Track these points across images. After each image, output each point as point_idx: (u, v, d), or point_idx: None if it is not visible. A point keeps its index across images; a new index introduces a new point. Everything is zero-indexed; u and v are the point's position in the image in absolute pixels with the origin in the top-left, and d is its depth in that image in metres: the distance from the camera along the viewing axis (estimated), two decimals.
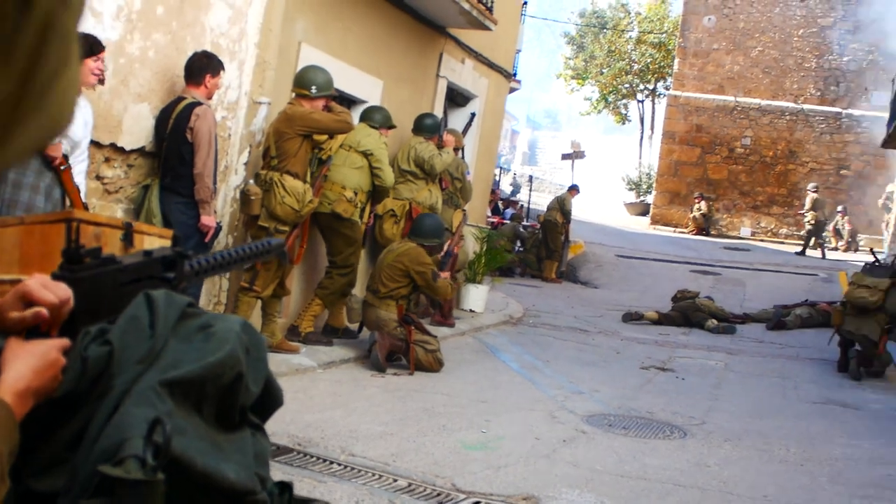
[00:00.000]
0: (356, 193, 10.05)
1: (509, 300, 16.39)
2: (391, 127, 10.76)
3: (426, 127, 12.13)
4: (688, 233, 33.90)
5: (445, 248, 11.13)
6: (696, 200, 34.26)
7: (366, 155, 10.15)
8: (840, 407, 10.41)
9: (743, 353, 13.91)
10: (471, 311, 14.05)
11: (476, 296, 14.18)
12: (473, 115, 13.96)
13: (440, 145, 12.17)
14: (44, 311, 1.69)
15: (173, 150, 7.85)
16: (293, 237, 9.28)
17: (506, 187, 38.46)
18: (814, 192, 29.88)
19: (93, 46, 6.76)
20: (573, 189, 23.82)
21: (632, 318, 16.25)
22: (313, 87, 9.28)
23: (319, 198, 9.61)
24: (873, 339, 11.99)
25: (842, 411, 10.20)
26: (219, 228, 8.18)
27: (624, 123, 50.08)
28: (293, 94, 9.44)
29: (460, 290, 13.77)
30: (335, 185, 9.97)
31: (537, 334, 13.71)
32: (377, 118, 10.60)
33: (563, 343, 13.13)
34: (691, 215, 34.49)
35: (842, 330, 12.43)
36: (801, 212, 30.87)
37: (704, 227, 34.14)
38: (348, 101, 11.19)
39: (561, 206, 22.60)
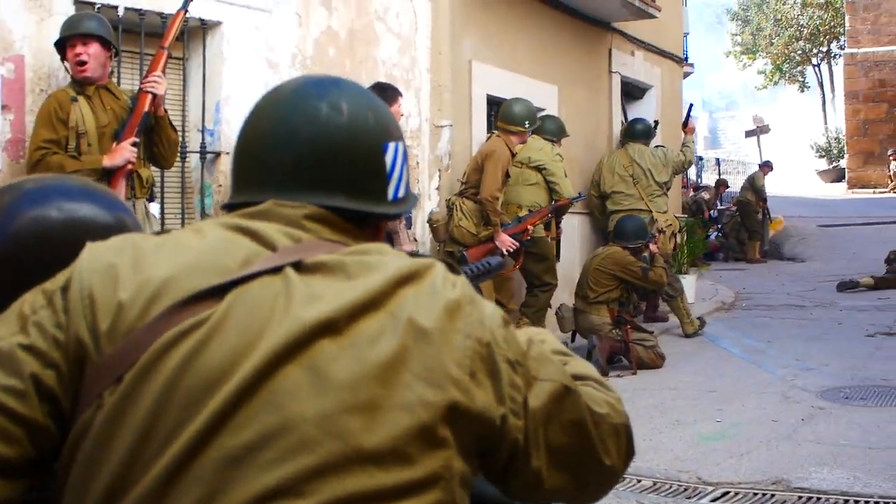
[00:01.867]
0: (532, 211, 9.94)
1: (718, 286, 16.10)
2: (564, 136, 10.64)
3: (642, 133, 12.39)
4: (889, 191, 32.77)
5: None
6: (892, 157, 33.11)
7: (539, 169, 10.00)
8: None
9: None
10: None
11: (685, 286, 13.91)
12: (692, 105, 13.82)
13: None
14: None
15: None
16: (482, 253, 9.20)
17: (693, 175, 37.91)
18: None
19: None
20: (765, 166, 23.31)
21: (847, 286, 15.71)
22: (526, 122, 9.31)
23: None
24: None
25: None
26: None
27: (803, 91, 48.88)
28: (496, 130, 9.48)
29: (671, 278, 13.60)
30: (511, 205, 9.85)
31: (753, 316, 13.40)
32: (550, 128, 10.39)
33: (782, 322, 12.80)
34: (889, 172, 33.33)
35: None
36: None
37: None
38: None
39: (752, 185, 22.18)
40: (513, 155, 9.28)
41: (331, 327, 1.44)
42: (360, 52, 8.65)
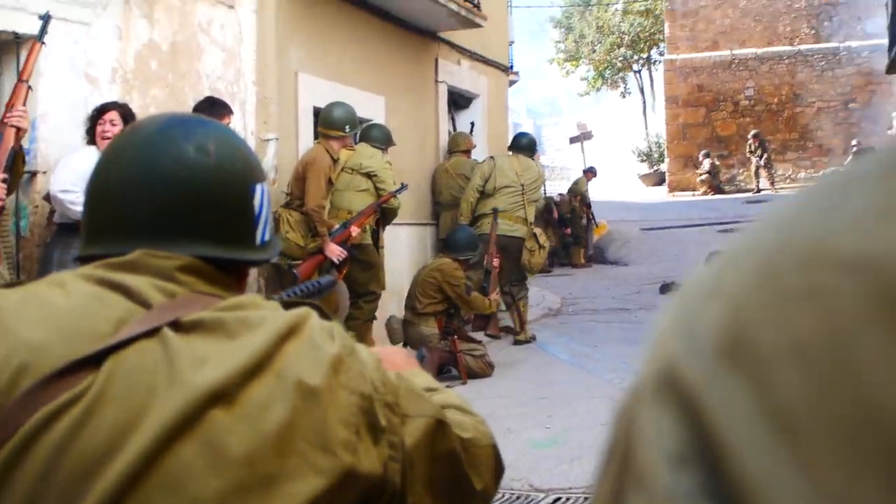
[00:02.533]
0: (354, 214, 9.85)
1: (545, 293, 16.30)
2: (391, 145, 10.59)
3: (527, 146, 12.55)
4: (701, 195, 33.68)
5: (485, 263, 11.02)
6: (700, 160, 34.03)
7: (370, 176, 9.89)
8: None
9: None
10: None
11: None
12: (473, 124, 13.95)
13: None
14: None
15: None
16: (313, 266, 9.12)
17: None
18: (856, 148, 30.07)
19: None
20: (588, 172, 23.65)
21: (669, 288, 16.12)
22: (347, 127, 9.27)
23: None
24: None
25: None
26: None
27: (625, 97, 49.98)
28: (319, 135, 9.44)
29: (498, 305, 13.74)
30: (340, 210, 9.69)
31: (580, 321, 13.64)
32: (377, 136, 10.32)
33: (608, 326, 13.06)
34: (698, 178, 34.22)
35: None
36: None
37: (715, 184, 33.94)
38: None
39: (576, 191, 22.53)
40: (334, 160, 9.24)
41: (222, 396, 1.34)
42: (183, 66, 8.49)
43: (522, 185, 11.91)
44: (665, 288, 16.09)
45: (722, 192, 33.72)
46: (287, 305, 1.56)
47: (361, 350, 1.52)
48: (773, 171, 33.08)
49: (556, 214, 21.59)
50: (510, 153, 12.47)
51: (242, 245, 1.65)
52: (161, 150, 1.61)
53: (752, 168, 33.29)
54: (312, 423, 1.37)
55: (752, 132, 33.15)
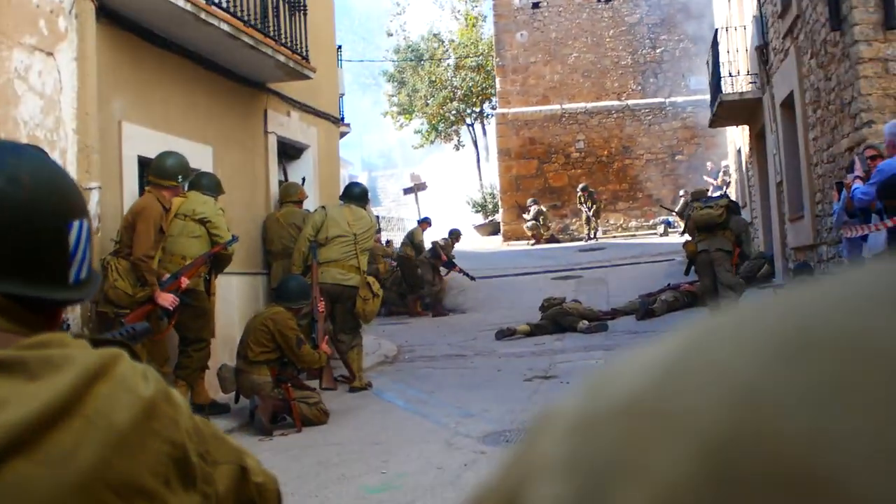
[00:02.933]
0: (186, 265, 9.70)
1: (381, 340, 16.24)
2: (221, 193, 10.49)
3: (359, 196, 12.56)
4: (531, 244, 34.07)
5: (311, 312, 10.95)
6: (528, 207, 34.43)
7: (203, 222, 9.77)
8: None
9: (619, 347, 14.02)
10: None
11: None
12: (304, 179, 13.89)
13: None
14: None
15: None
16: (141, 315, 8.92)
17: None
18: (683, 196, 31.03)
19: None
20: (424, 222, 23.83)
21: (505, 334, 16.28)
22: (179, 177, 9.17)
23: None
24: (727, 249, 13.72)
25: None
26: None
27: (458, 149, 50.50)
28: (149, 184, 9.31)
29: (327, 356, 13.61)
30: (174, 256, 9.55)
31: (416, 368, 13.62)
32: (207, 184, 10.26)
33: (444, 372, 13.06)
34: (525, 225, 34.56)
35: (698, 259, 14.08)
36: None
37: (540, 233, 34.38)
38: None
39: (412, 241, 22.62)
40: (166, 210, 9.11)
41: (23, 443, 1.23)
42: None
43: (355, 235, 11.90)
44: (500, 334, 16.25)
45: (556, 241, 34.26)
46: (96, 344, 1.46)
47: (176, 395, 1.44)
48: (597, 221, 33.81)
49: (443, 257, 21.87)
50: (342, 203, 12.44)
51: (53, 283, 1.55)
52: None
53: (583, 218, 33.97)
54: (121, 471, 1.29)
55: (581, 186, 33.90)
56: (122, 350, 1.44)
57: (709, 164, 33.23)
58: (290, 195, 12.87)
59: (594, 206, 33.93)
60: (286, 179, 14.09)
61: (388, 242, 26.24)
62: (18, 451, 1.23)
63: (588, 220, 34.19)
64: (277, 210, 12.94)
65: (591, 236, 33.77)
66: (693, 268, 14.51)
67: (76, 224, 1.59)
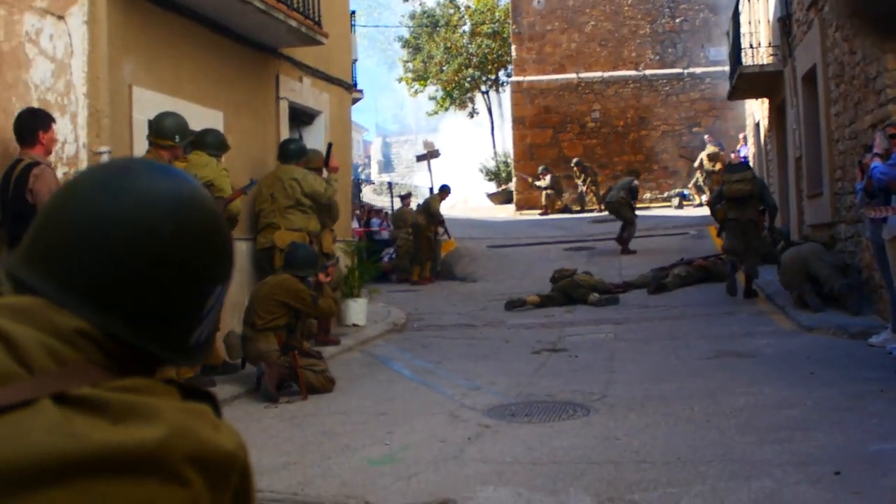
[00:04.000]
0: None
1: (391, 308, 16.27)
2: (226, 150, 10.46)
3: (294, 153, 12.18)
4: (541, 213, 34.03)
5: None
6: (542, 176, 34.30)
7: (207, 186, 9.74)
8: (734, 357, 10.62)
9: (630, 322, 14.06)
10: (354, 325, 13.88)
11: (356, 309, 14.02)
12: (331, 145, 13.71)
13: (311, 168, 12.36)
14: None
15: (16, 215, 7.54)
16: None
17: (372, 198, 38.18)
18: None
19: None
20: (443, 191, 23.77)
21: (514, 305, 16.27)
22: (177, 137, 9.13)
23: None
24: (754, 219, 14.72)
25: (737, 361, 10.40)
26: None
27: (473, 117, 50.31)
28: (149, 144, 9.26)
29: (340, 307, 13.60)
30: None
31: (424, 337, 13.65)
32: (212, 142, 10.19)
33: (452, 342, 13.09)
34: (542, 193, 34.46)
35: (727, 227, 15.02)
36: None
37: (559, 200, 34.38)
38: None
39: (427, 209, 22.64)
40: None
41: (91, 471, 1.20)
42: (10, 76, 8.25)
43: (272, 195, 11.97)
44: (510, 304, 16.24)
45: (569, 210, 34.21)
46: (185, 392, 1.42)
47: (250, 466, 1.41)
48: (597, 194, 33.65)
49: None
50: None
51: (169, 341, 1.46)
52: (131, 208, 1.43)
53: (577, 192, 33.99)
54: None
55: (574, 160, 33.83)
56: (207, 407, 1.40)
57: (706, 136, 33.07)
58: (309, 162, 12.74)
59: (588, 179, 33.85)
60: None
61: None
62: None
63: (581, 197, 34.12)
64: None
65: (584, 209, 33.73)
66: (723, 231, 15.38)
67: (219, 289, 1.53)
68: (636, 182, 23.14)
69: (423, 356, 11.94)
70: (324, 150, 13.20)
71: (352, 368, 11.19)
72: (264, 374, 9.50)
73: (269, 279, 10.14)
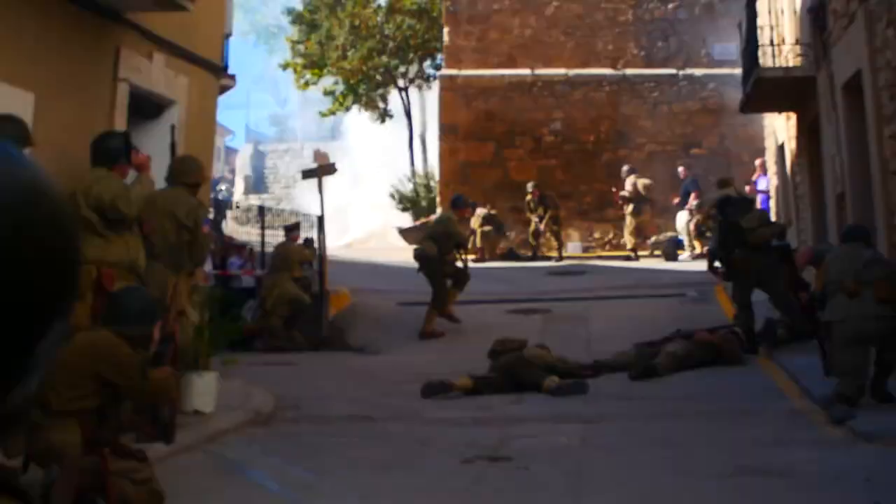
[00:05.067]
0: None
1: (252, 389, 15.75)
2: (29, 146, 9.94)
3: (108, 152, 11.54)
4: (476, 258, 33.54)
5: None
6: (470, 212, 33.54)
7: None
8: (760, 477, 10.31)
9: (604, 420, 13.77)
10: (195, 412, 13.18)
11: (201, 388, 13.16)
12: (173, 126, 13.36)
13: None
14: None
15: None
16: None
17: (233, 228, 37.79)
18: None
19: None
20: (458, 205, 23.85)
21: (435, 390, 15.85)
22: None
23: None
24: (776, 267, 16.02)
25: (764, 483, 10.12)
26: None
27: (384, 121, 50.22)
28: None
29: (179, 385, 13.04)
30: None
31: (301, 434, 13.28)
32: (10, 131, 9.75)
33: (342, 441, 12.73)
34: (471, 234, 33.77)
35: (738, 267, 16.33)
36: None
37: (500, 241, 34.22)
38: None
39: (444, 231, 22.41)
40: None
41: None
42: None
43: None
44: (430, 389, 15.77)
45: (515, 257, 33.95)
46: None
47: None
48: (557, 236, 33.43)
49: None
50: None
51: None
52: None
53: (530, 230, 33.60)
54: None
55: (531, 184, 33.28)
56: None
57: (680, 168, 32.93)
58: (186, 173, 12.35)
59: (547, 213, 33.38)
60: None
61: (308, 242, 25.74)
62: None
63: (536, 234, 33.79)
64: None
65: (551, 255, 33.57)
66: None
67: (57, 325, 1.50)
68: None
69: (298, 462, 11.55)
70: (167, 143, 13.11)
71: (191, 477, 10.73)
72: (56, 482, 8.94)
73: (78, 337, 9.59)
